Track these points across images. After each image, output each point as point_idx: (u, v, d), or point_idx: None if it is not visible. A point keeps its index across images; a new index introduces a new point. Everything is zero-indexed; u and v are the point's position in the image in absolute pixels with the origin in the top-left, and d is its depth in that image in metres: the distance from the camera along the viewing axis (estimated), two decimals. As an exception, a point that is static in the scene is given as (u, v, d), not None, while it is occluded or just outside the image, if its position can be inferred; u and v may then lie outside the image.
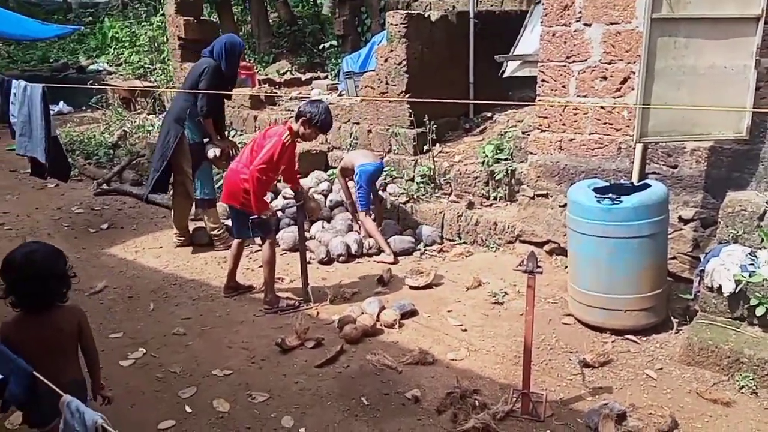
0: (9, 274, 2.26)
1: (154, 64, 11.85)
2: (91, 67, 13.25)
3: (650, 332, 3.74)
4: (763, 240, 3.61)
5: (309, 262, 4.70)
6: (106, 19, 14.50)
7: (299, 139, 4.35)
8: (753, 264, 3.44)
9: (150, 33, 12.25)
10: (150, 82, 11.20)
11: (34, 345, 2.26)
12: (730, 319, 3.46)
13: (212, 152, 5.15)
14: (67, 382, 2.18)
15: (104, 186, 7.03)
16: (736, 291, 3.39)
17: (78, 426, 1.71)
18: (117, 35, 13.56)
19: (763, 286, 3.33)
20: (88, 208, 6.53)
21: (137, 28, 13.20)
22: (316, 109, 4.18)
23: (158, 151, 5.24)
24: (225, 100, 5.50)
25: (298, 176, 4.68)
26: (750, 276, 3.37)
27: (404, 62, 6.15)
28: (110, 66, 13.30)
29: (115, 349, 3.77)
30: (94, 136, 8.68)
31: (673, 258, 4.27)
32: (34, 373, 1.91)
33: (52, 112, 5.36)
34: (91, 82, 10.43)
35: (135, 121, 8.93)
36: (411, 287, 4.56)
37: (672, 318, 3.83)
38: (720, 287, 3.47)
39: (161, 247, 5.44)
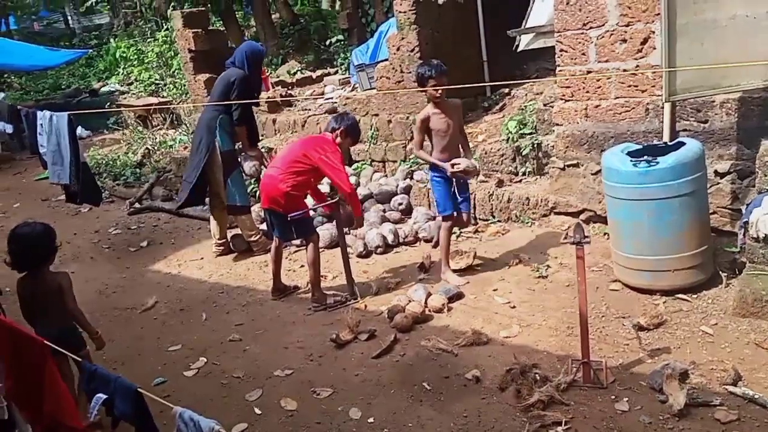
0: (9, 245, 3.02)
1: (164, 79, 11.97)
2: (104, 89, 13.43)
3: (700, 289, 3.75)
4: (805, 185, 3.59)
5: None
6: (111, 40, 14.65)
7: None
8: (798, 210, 3.42)
9: (157, 49, 12.36)
10: (163, 97, 11.33)
11: (29, 299, 3.06)
12: (780, 268, 3.45)
13: (249, 167, 5.24)
14: (57, 329, 2.97)
15: (136, 205, 7.17)
16: (784, 239, 3.38)
17: None
18: (124, 55, 13.70)
19: (811, 231, 3.32)
20: (125, 227, 6.67)
21: (143, 46, 13.33)
22: (349, 121, 4.39)
23: (191, 163, 5.33)
24: (253, 107, 5.61)
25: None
26: (797, 222, 3.35)
27: (417, 48, 6.17)
28: (121, 86, 13.46)
29: (176, 361, 3.87)
30: (118, 156, 8.83)
31: (713, 213, 4.25)
32: (138, 389, 1.99)
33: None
34: (109, 104, 10.57)
35: (156, 138, 9.05)
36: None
37: (720, 272, 3.83)
38: (766, 236, 3.46)
39: (202, 258, 5.55)
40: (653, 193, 3.62)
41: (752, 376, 2.99)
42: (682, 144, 3.77)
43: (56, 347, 2.34)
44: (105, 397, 2.09)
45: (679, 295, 3.72)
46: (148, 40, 13.29)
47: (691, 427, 2.72)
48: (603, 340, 3.46)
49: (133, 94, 12.63)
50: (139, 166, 8.34)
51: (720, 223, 4.27)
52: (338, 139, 4.31)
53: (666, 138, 4.14)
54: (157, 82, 12.18)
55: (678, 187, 3.59)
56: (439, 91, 4.10)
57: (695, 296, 3.71)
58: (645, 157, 3.67)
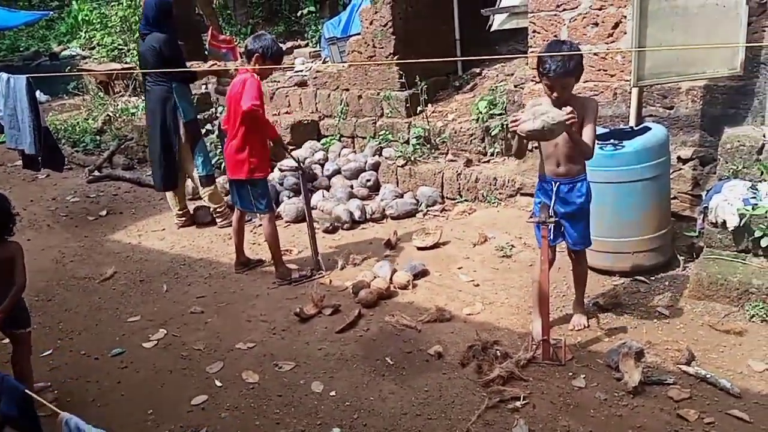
0: None
1: (128, 44, 11.58)
2: (64, 53, 12.92)
3: (658, 271, 3.85)
4: (762, 173, 3.68)
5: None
6: (73, 2, 14.07)
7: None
8: (755, 197, 3.53)
9: (121, 12, 11.91)
10: (126, 63, 10.96)
11: None
12: (735, 252, 3.56)
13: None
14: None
15: (96, 173, 6.96)
16: (741, 224, 3.48)
17: None
18: (87, 18, 13.18)
19: (766, 217, 3.43)
20: (84, 196, 6.48)
21: (107, 9, 12.83)
22: (265, 42, 4.03)
23: (158, 141, 5.12)
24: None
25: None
26: (753, 209, 3.46)
27: (390, 23, 6.09)
28: (83, 50, 12.98)
29: (135, 332, 3.80)
30: (78, 123, 8.54)
31: (674, 198, 4.34)
32: (26, 390, 1.91)
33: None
34: (69, 68, 10.20)
35: (117, 105, 8.78)
36: (418, 248, 4.61)
37: (678, 256, 3.93)
38: (724, 222, 3.56)
39: (164, 229, 5.44)
40: (617, 176, 3.67)
41: (705, 356, 3.08)
42: (648, 129, 3.82)
43: None
44: None
45: (638, 277, 3.81)
46: (112, 3, 12.78)
47: (645, 404, 2.80)
48: (563, 318, 3.53)
49: (95, 59, 12.19)
50: (100, 134, 8.09)
51: (680, 208, 4.36)
52: (256, 65, 4.02)
53: (632, 122, 4.20)
54: (120, 47, 11.77)
55: (642, 171, 3.65)
56: (555, 95, 2.99)
57: (653, 278, 3.80)
58: (611, 141, 3.71)
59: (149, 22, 4.98)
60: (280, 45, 4.20)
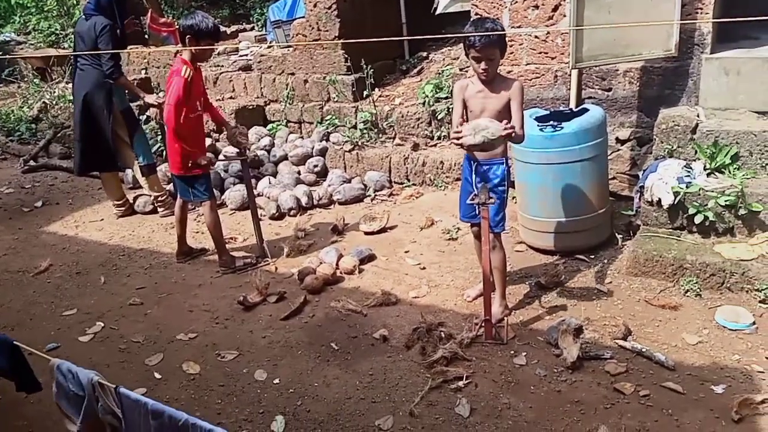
0: None
1: (65, 29, 11.12)
2: (-3, 38, 12.31)
3: (597, 250, 3.92)
4: (696, 152, 3.79)
5: (260, 219, 4.65)
6: (5, -16, 13.39)
7: (200, 64, 4.04)
8: (689, 175, 3.63)
9: (57, -4, 11.43)
10: (64, 49, 10.52)
11: None
12: (671, 230, 3.67)
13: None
14: None
15: (31, 162, 6.68)
16: (675, 202, 3.58)
17: (73, 386, 1.71)
18: (21, 2, 12.58)
19: (699, 195, 3.53)
20: (18, 187, 6.22)
21: (42, -8, 12.28)
22: (194, 20, 3.81)
23: (80, 125, 4.95)
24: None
25: (217, 108, 4.52)
26: (687, 187, 3.56)
27: (334, 6, 6.01)
28: (18, 36, 12.40)
29: (71, 326, 3.67)
30: (12, 111, 8.17)
31: (613, 178, 4.44)
32: (15, 342, 1.88)
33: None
34: (2, 54, 9.73)
35: (54, 92, 8.42)
36: (366, 233, 4.59)
37: (616, 234, 4.02)
38: (659, 200, 3.65)
39: (102, 220, 5.26)
40: (557, 158, 3.71)
41: (641, 330, 3.17)
42: (586, 111, 3.88)
43: None
44: None
45: (578, 256, 3.88)
46: (48, -14, 12.25)
47: (583, 378, 2.86)
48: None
49: (31, 44, 11.66)
50: (35, 122, 7.76)
51: (618, 188, 4.47)
52: (194, 48, 3.82)
53: (572, 104, 4.25)
54: (57, 32, 11.30)
55: (580, 151, 3.70)
56: (482, 68, 3.02)
57: (592, 257, 3.88)
58: (550, 123, 3.75)
59: (99, 5, 4.74)
60: (214, 21, 3.93)
